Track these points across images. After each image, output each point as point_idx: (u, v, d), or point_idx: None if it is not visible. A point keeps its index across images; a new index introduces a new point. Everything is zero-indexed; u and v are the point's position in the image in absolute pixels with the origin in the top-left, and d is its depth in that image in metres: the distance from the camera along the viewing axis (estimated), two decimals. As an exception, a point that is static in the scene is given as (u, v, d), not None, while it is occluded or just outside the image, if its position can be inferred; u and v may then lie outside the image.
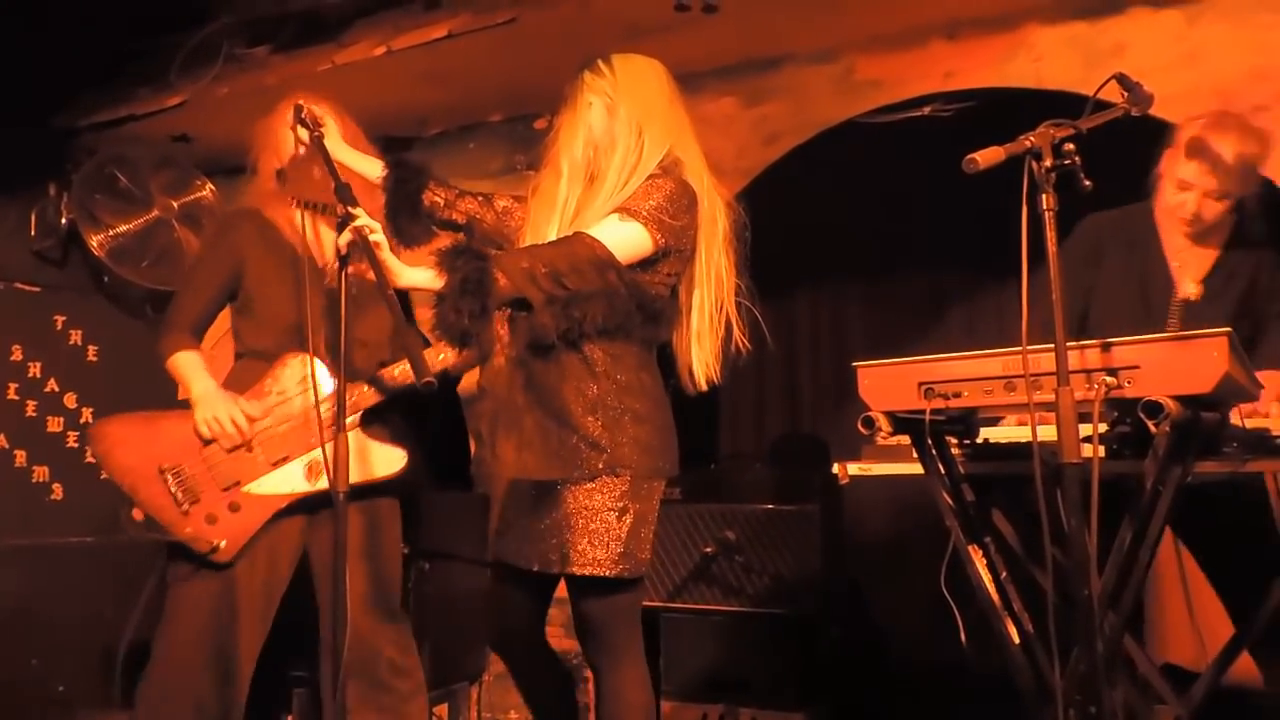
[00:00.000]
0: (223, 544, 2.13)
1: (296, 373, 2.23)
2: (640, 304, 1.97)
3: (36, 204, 4.03)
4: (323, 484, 2.18)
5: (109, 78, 3.87)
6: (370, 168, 2.17)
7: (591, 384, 1.96)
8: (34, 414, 3.93)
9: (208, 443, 2.20)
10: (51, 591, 3.72)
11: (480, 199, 2.19)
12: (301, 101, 2.14)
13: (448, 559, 3.23)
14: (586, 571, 1.93)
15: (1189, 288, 2.30)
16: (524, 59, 3.30)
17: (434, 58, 3.35)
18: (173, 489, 2.17)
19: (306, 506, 2.24)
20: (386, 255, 1.89)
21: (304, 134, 2.11)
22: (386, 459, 2.26)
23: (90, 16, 3.59)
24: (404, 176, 2.15)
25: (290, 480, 2.20)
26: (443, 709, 3.49)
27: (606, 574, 1.94)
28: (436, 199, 2.15)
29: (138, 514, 2.20)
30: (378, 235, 1.90)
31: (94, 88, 3.90)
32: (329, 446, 2.08)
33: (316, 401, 2.12)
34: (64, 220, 4.01)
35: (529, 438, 1.98)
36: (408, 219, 2.13)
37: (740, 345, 2.14)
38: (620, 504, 1.95)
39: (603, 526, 1.94)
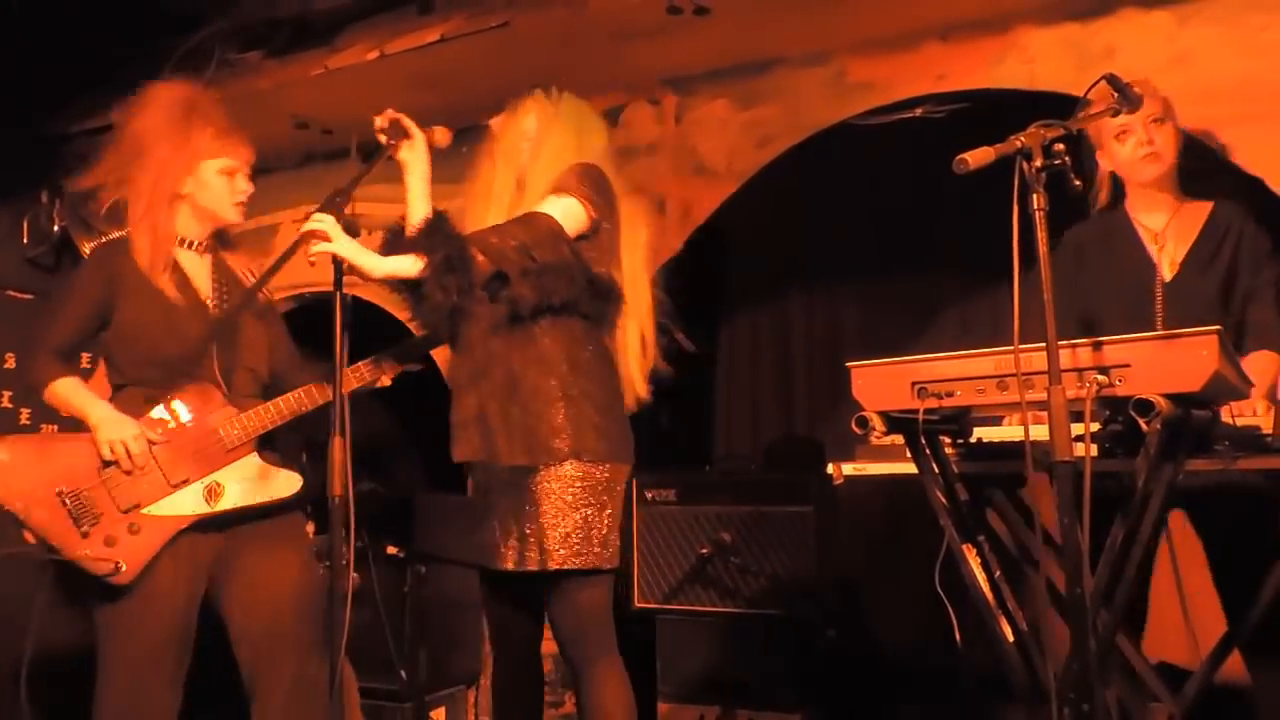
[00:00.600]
0: (123, 565, 2.15)
1: (194, 399, 2.25)
2: (589, 280, 2.06)
3: (29, 211, 4.03)
4: (223, 505, 2.23)
5: (101, 84, 3.86)
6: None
7: (552, 373, 2.03)
8: (28, 421, 3.92)
9: (106, 465, 2.19)
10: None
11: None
12: (399, 116, 2.10)
13: (443, 563, 3.23)
14: (561, 565, 1.98)
15: (1169, 270, 2.28)
16: (517, 62, 3.30)
17: (427, 62, 3.35)
18: (72, 512, 2.16)
19: (210, 527, 2.26)
20: (354, 252, 1.91)
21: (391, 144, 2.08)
22: (286, 481, 2.31)
23: (81, 22, 3.59)
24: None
25: (189, 503, 2.22)
26: (440, 713, 3.49)
27: (589, 565, 2.00)
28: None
29: (29, 537, 2.18)
30: (332, 246, 1.89)
31: (86, 94, 3.89)
32: (235, 466, 2.24)
33: (215, 428, 2.17)
34: (56, 227, 4.00)
35: (494, 426, 2.03)
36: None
37: (659, 365, 2.21)
38: (589, 499, 2.01)
39: (575, 521, 2.00)
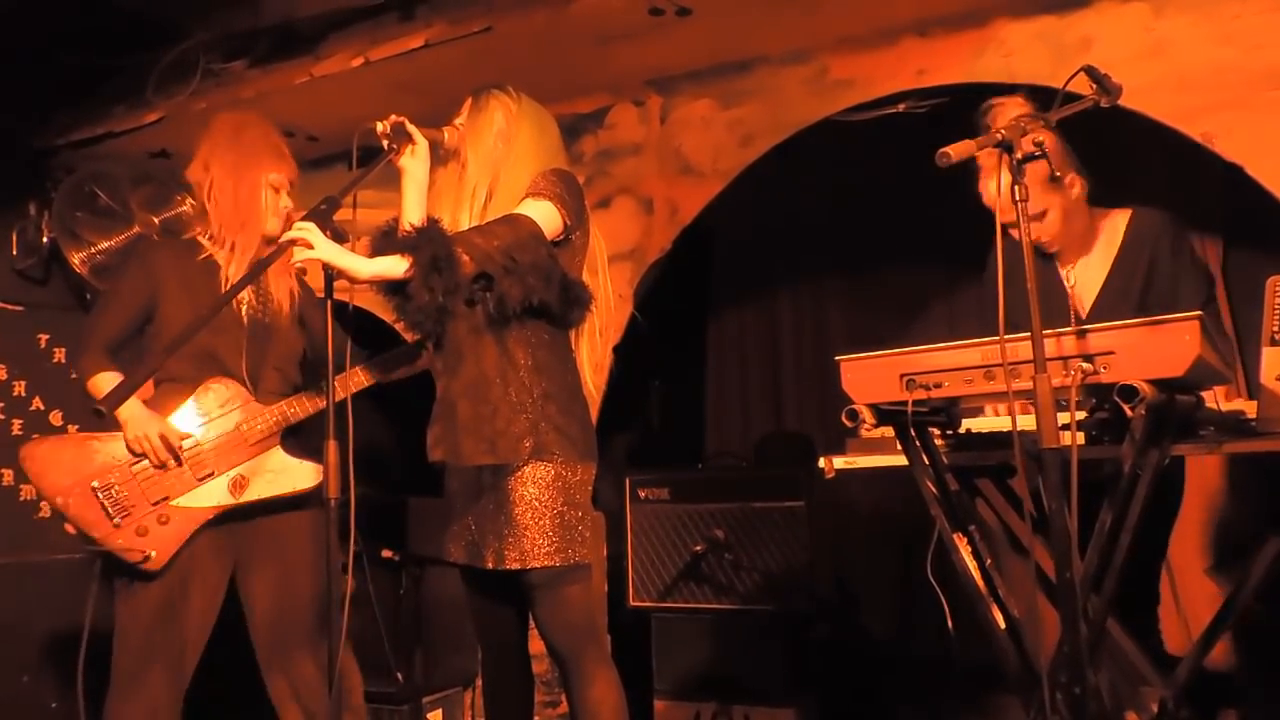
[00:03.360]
0: (153, 554, 2.28)
1: (219, 395, 2.39)
2: (564, 284, 2.08)
3: (17, 224, 4.01)
4: (247, 497, 2.37)
5: (86, 96, 3.86)
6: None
7: (516, 374, 2.05)
8: (20, 432, 3.91)
9: (137, 460, 2.33)
10: (40, 608, 3.71)
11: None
12: (402, 120, 2.11)
13: (439, 564, 3.23)
14: (543, 563, 2.00)
15: (1085, 303, 2.26)
16: (501, 67, 3.29)
17: (411, 68, 3.36)
18: (105, 504, 2.30)
19: (236, 517, 2.39)
20: (338, 256, 1.92)
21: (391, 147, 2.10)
22: (309, 472, 2.41)
23: (66, 36, 3.58)
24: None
25: (215, 494, 2.36)
26: (436, 714, 3.49)
27: (563, 562, 2.02)
28: None
29: (69, 529, 2.34)
30: (314, 252, 1.91)
31: (71, 106, 3.89)
32: (261, 458, 2.37)
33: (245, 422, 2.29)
34: (45, 239, 3.99)
35: (464, 426, 2.04)
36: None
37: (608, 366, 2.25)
38: (562, 495, 2.03)
39: (550, 519, 2.02)
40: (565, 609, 2.07)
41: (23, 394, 3.94)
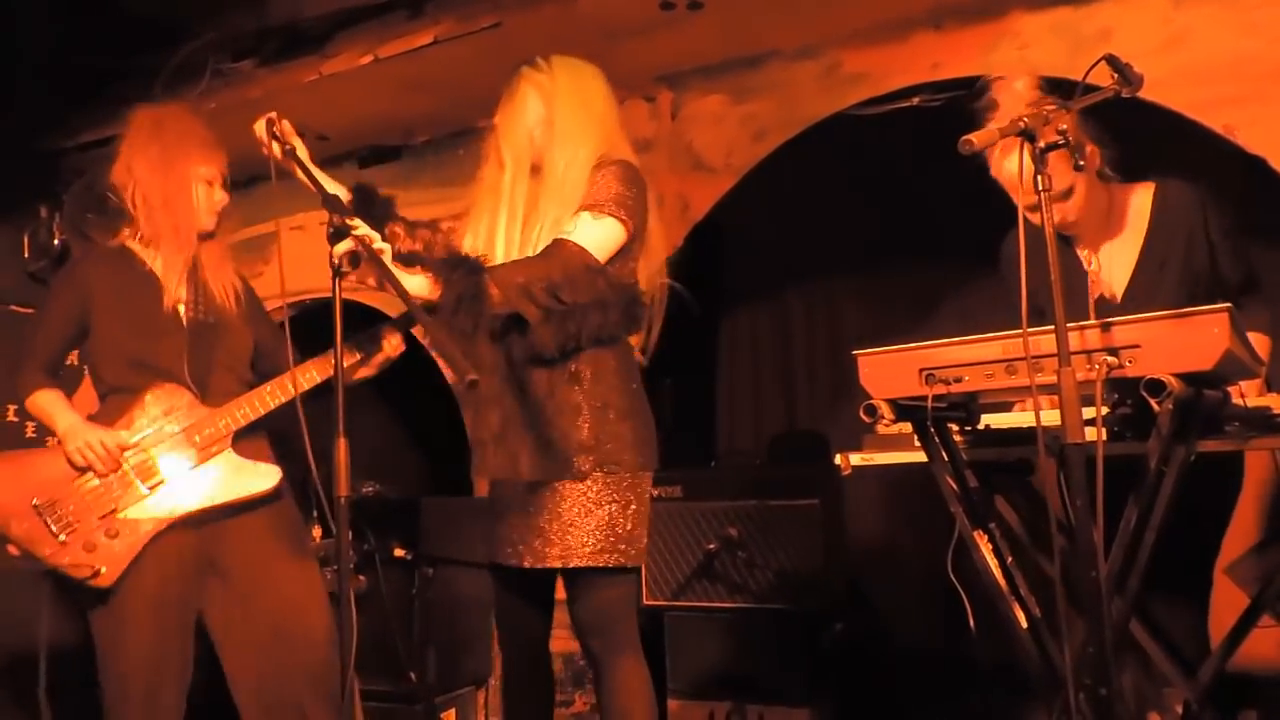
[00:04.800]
0: (103, 569, 2.18)
1: (163, 401, 2.29)
2: (626, 308, 2.01)
3: (28, 226, 4.04)
4: (203, 504, 2.25)
5: (96, 98, 3.86)
6: (336, 191, 2.12)
7: (575, 388, 1.98)
8: (33, 434, 3.92)
9: (80, 474, 2.23)
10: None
11: (429, 227, 2.20)
12: (273, 115, 2.12)
13: (451, 564, 3.22)
14: (585, 563, 1.95)
15: (1107, 287, 2.17)
16: (510, 63, 3.28)
17: (420, 65, 3.34)
18: (48, 521, 2.21)
19: (196, 524, 2.28)
20: (389, 263, 1.88)
21: (276, 149, 2.10)
22: (264, 474, 2.33)
23: (74, 38, 3.58)
24: (370, 201, 2.13)
25: (166, 504, 2.25)
26: (450, 714, 3.48)
27: (614, 563, 1.96)
28: (396, 230, 2.15)
29: (12, 549, 2.23)
30: (380, 243, 1.89)
31: (81, 108, 3.89)
32: (213, 465, 2.25)
33: (197, 423, 2.21)
34: (56, 241, 4.01)
35: (520, 443, 2.00)
36: None
37: (650, 346, 2.15)
38: (612, 496, 1.98)
39: (598, 519, 1.96)
40: (604, 612, 2.01)
41: (35, 396, 3.95)
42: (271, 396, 2.30)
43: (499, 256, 2.03)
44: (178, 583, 2.26)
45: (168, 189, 2.31)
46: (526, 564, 2.01)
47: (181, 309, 2.34)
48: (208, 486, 2.27)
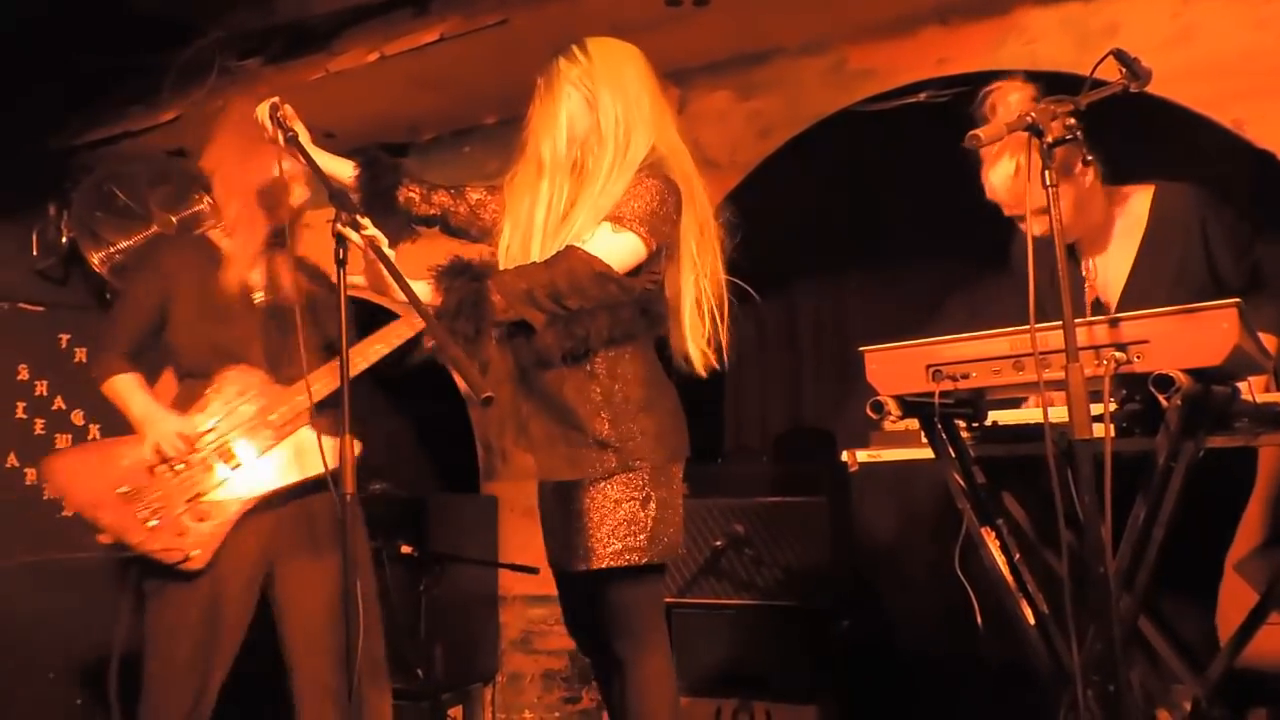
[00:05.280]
0: (196, 553, 2.22)
1: (238, 384, 2.33)
2: (643, 309, 1.98)
3: (37, 224, 4.04)
4: (280, 482, 2.29)
5: (103, 96, 3.88)
6: (342, 168, 2.15)
7: (593, 385, 1.96)
8: (42, 431, 3.94)
9: (162, 461, 2.28)
10: (64, 607, 3.73)
11: (452, 192, 2.17)
12: (276, 100, 2.12)
13: (458, 562, 3.23)
14: (613, 563, 1.92)
15: (1103, 291, 2.16)
16: (516, 60, 3.28)
17: (426, 62, 3.35)
18: (137, 509, 2.24)
19: (270, 506, 2.31)
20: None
21: (279, 135, 2.09)
22: (330, 453, 2.30)
23: (82, 37, 3.59)
24: (378, 174, 2.13)
25: (248, 484, 2.29)
26: (457, 711, 3.49)
27: (634, 562, 1.93)
28: (411, 195, 2.14)
29: (103, 538, 2.26)
30: (387, 247, 1.86)
31: (89, 107, 3.90)
32: (290, 441, 2.30)
33: (269, 406, 2.24)
34: (65, 239, 4.02)
35: (539, 443, 1.98)
36: (383, 217, 2.07)
37: (723, 340, 2.13)
38: (641, 493, 1.95)
39: (625, 517, 1.94)
40: (628, 611, 1.98)
41: (44, 394, 3.97)
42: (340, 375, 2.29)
43: (535, 259, 1.98)
44: (247, 567, 2.29)
45: (248, 180, 2.33)
46: (567, 568, 1.98)
47: (258, 296, 2.38)
48: (285, 465, 2.31)
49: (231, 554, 2.27)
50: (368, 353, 2.31)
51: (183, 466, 2.28)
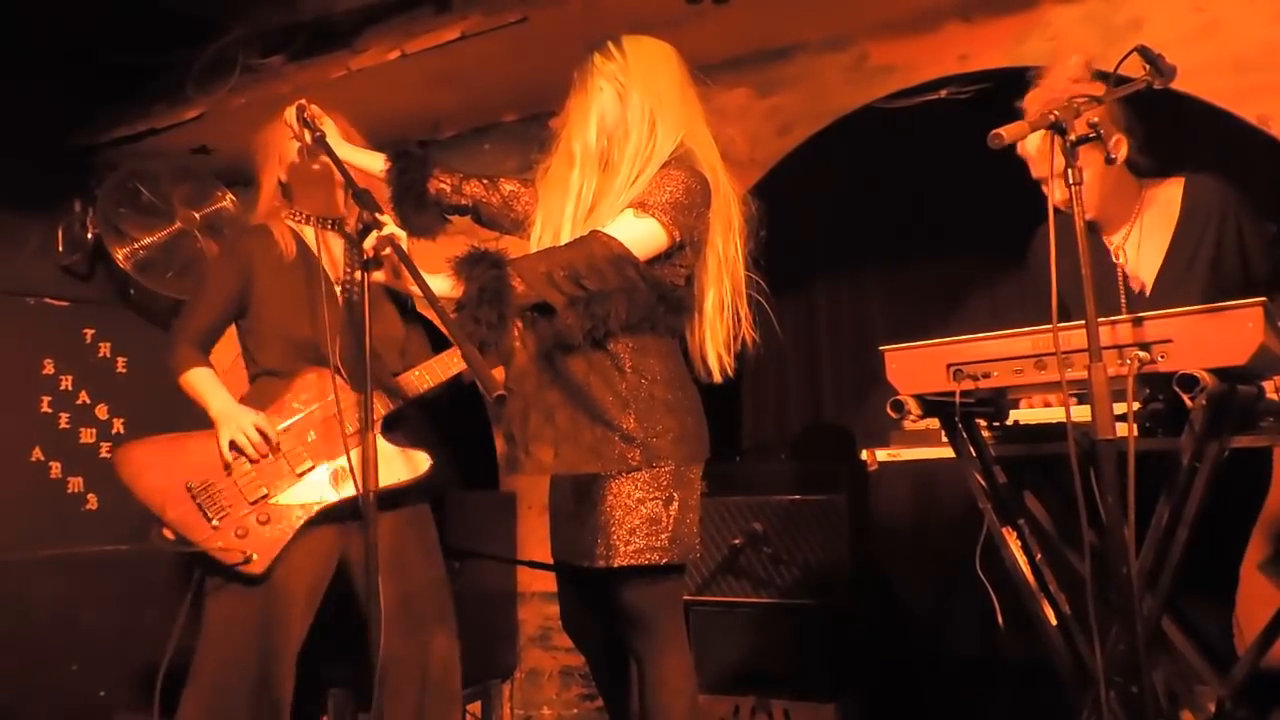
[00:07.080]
0: (255, 556, 2.16)
1: (315, 386, 2.27)
2: (661, 296, 1.97)
3: (62, 220, 4.08)
4: (348, 491, 2.21)
5: (128, 94, 3.91)
6: (372, 162, 2.17)
7: (620, 379, 1.96)
8: (67, 425, 3.98)
9: (233, 458, 2.22)
10: (89, 599, 3.78)
11: (485, 182, 2.18)
12: (303, 101, 2.14)
13: (478, 558, 3.24)
14: (634, 561, 1.92)
15: (1147, 282, 2.13)
16: (536, 57, 3.30)
17: (446, 60, 3.36)
18: (202, 505, 2.20)
19: (340, 515, 2.25)
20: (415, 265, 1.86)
21: (306, 135, 2.11)
22: (410, 463, 2.28)
23: (106, 35, 3.63)
24: (407, 167, 2.14)
25: (317, 490, 2.23)
26: (476, 706, 3.50)
27: (656, 561, 1.93)
28: (443, 186, 2.15)
29: (168, 533, 2.22)
30: (405, 243, 1.88)
31: (113, 104, 3.94)
32: (354, 452, 2.16)
33: (340, 413, 2.17)
34: (90, 235, 4.06)
35: (564, 434, 1.97)
36: (414, 209, 2.12)
37: (748, 338, 2.14)
38: (664, 493, 1.95)
39: (647, 516, 1.93)
40: (647, 610, 1.97)
41: (69, 388, 4.01)
42: (420, 381, 2.26)
43: None
44: (310, 574, 2.23)
45: (324, 172, 2.26)
46: (585, 564, 1.97)
47: (338, 290, 2.32)
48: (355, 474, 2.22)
49: (294, 565, 2.20)
50: (449, 364, 2.26)
51: (251, 466, 2.21)
